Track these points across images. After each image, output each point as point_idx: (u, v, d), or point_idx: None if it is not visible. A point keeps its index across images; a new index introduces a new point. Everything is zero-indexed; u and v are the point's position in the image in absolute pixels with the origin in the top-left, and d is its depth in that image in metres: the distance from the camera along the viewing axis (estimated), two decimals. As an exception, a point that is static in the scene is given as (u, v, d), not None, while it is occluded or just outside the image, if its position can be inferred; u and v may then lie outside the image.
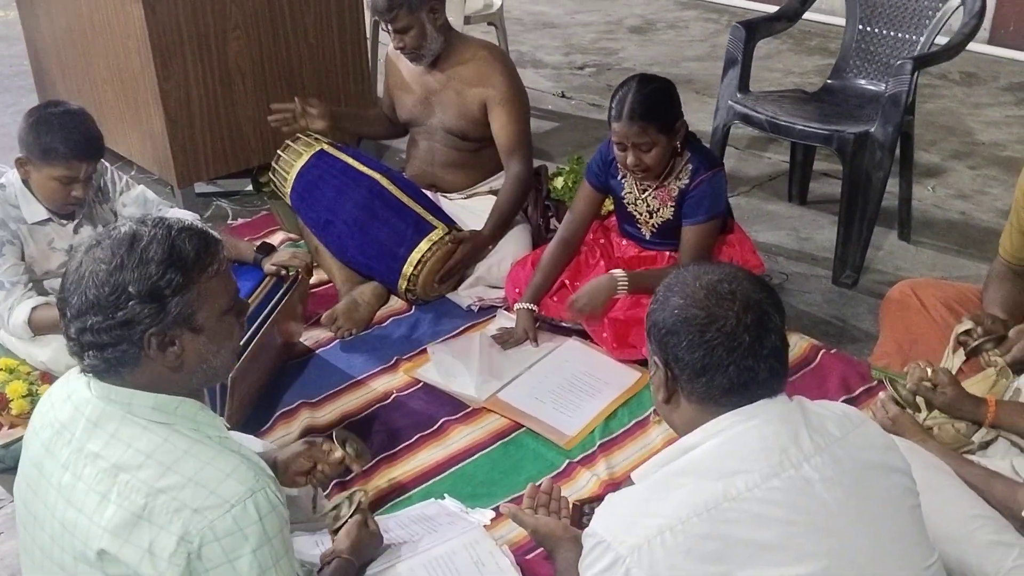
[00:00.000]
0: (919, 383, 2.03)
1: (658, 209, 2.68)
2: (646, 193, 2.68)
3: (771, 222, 3.55)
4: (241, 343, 2.31)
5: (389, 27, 2.92)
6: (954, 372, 2.17)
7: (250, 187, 3.77)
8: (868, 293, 3.06)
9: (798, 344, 2.77)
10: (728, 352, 1.30)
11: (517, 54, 5.47)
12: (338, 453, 1.82)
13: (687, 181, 2.62)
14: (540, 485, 1.80)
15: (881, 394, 2.09)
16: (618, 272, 2.64)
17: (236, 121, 3.55)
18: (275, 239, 3.41)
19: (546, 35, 5.91)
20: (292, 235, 3.35)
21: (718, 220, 2.65)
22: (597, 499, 1.67)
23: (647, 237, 2.77)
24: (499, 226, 3.02)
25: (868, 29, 3.29)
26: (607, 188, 2.78)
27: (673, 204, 2.65)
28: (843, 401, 2.53)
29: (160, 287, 1.36)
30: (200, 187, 3.73)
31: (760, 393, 1.32)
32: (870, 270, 3.19)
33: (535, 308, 2.78)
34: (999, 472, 1.84)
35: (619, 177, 2.72)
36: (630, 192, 2.72)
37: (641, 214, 2.73)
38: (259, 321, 2.47)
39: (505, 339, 2.75)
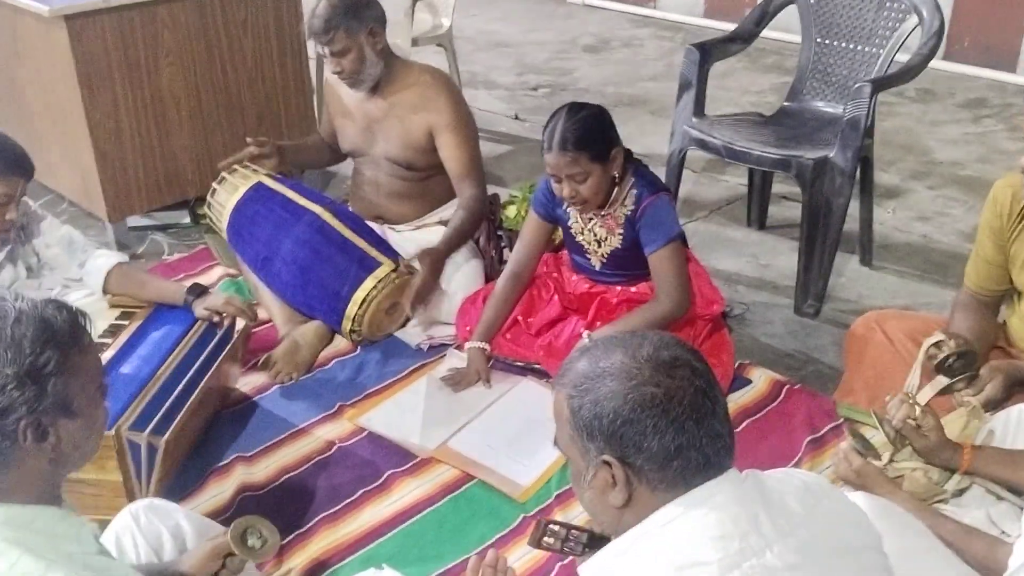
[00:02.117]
0: (904, 421, 1.91)
1: (605, 238, 2.56)
2: (592, 222, 2.56)
3: (730, 248, 3.45)
4: (174, 399, 2.19)
5: (326, 50, 2.78)
6: (923, 401, 2.07)
7: (188, 219, 3.59)
8: (831, 323, 2.96)
9: (761, 379, 2.66)
10: (697, 424, 1.15)
11: (469, 74, 5.35)
12: (236, 560, 1.64)
13: (632, 207, 2.50)
14: (485, 557, 1.65)
15: (842, 444, 1.97)
16: (585, 333, 2.50)
17: (171, 151, 3.38)
18: (214, 275, 3.26)
19: (499, 55, 5.80)
20: (231, 271, 3.19)
21: (679, 242, 2.52)
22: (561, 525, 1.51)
23: (597, 268, 2.64)
24: (453, 241, 2.84)
25: (826, 42, 3.20)
26: (554, 218, 2.66)
27: (621, 232, 2.53)
28: (809, 440, 2.43)
29: (39, 366, 1.21)
30: (135, 220, 3.55)
31: (720, 464, 1.18)
32: (832, 298, 3.09)
33: (487, 347, 2.64)
34: (975, 528, 1.73)
35: (564, 206, 2.60)
36: (576, 222, 2.60)
37: (589, 244, 2.60)
38: (193, 372, 2.30)
39: (456, 381, 2.61)
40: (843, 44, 3.17)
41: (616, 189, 2.49)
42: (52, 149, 3.44)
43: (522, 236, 2.73)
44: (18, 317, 1.22)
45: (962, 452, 1.85)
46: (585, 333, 2.51)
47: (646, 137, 4.29)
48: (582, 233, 2.60)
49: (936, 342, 2.02)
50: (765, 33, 3.37)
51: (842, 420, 2.47)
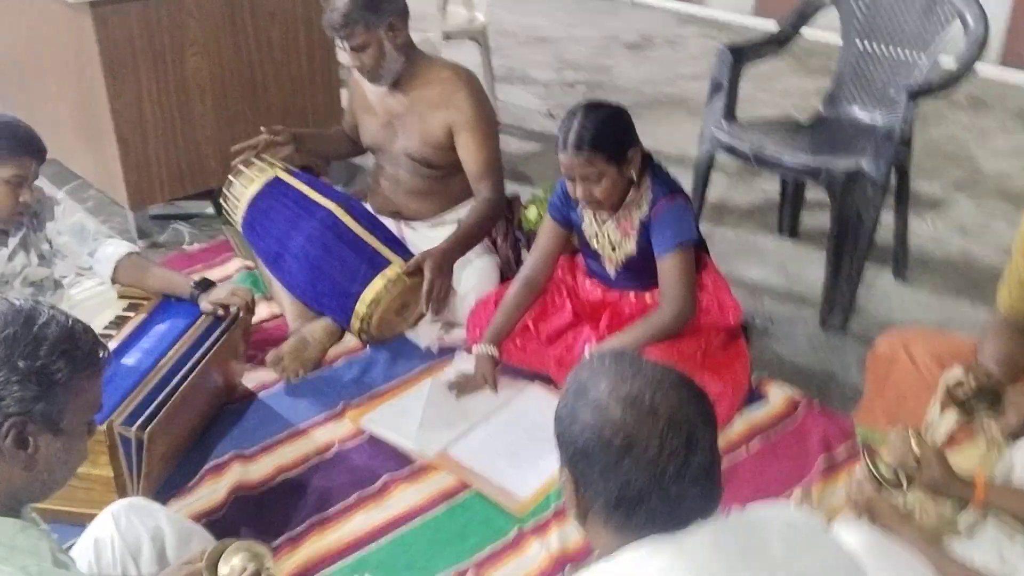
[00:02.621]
0: (902, 459, 1.82)
1: (620, 242, 2.48)
2: (606, 225, 2.49)
3: (758, 257, 3.34)
4: (165, 394, 2.16)
5: (345, 44, 2.73)
6: (943, 434, 1.96)
7: (210, 209, 3.58)
8: (858, 339, 2.84)
9: (779, 396, 2.56)
10: (650, 482, 1.08)
11: (506, 69, 5.28)
12: None
13: (647, 209, 2.42)
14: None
15: (857, 468, 1.88)
16: (587, 348, 2.42)
17: (194, 141, 3.36)
18: (231, 266, 3.25)
19: (538, 50, 5.73)
20: (248, 263, 3.17)
21: (690, 245, 2.44)
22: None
23: (612, 275, 2.56)
24: (459, 242, 2.76)
25: (866, 46, 3.08)
26: (569, 222, 2.58)
27: (636, 236, 2.45)
28: (824, 460, 2.32)
29: (49, 371, 1.23)
30: (158, 208, 3.55)
31: (690, 517, 1.11)
32: (861, 312, 2.97)
33: (496, 352, 2.58)
34: (981, 573, 1.63)
35: (579, 209, 2.52)
36: (590, 225, 2.52)
37: (604, 249, 2.53)
38: (187, 367, 2.27)
39: (462, 385, 2.55)
40: (884, 48, 3.04)
41: (632, 191, 2.41)
42: (77, 135, 3.45)
43: (537, 241, 2.66)
44: (48, 321, 1.26)
45: (975, 485, 1.75)
46: (588, 347, 2.43)
47: (681, 138, 4.18)
48: (596, 238, 2.53)
49: (958, 382, 1.91)
50: (813, 34, 3.26)
51: (859, 443, 2.37)
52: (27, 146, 2.30)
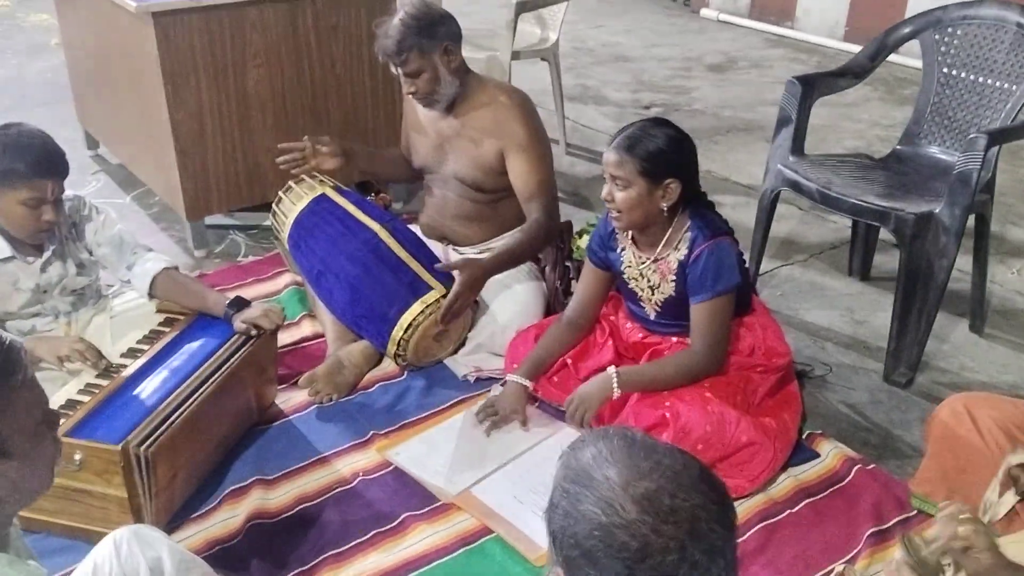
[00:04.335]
0: (949, 542, 1.65)
1: (659, 285, 2.37)
2: (643, 265, 2.38)
3: (824, 299, 3.16)
4: (173, 411, 2.11)
5: (399, 70, 2.68)
6: (1000, 516, 1.79)
7: (269, 222, 3.57)
8: (924, 396, 2.66)
9: (831, 454, 2.40)
10: None
11: (581, 88, 5.19)
12: None
13: (685, 252, 2.30)
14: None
15: (897, 554, 1.71)
16: (611, 369, 2.31)
17: (253, 154, 3.36)
18: (281, 281, 3.23)
19: (617, 69, 5.61)
20: (298, 279, 3.14)
21: (728, 295, 2.31)
22: None
23: (652, 317, 2.45)
24: (501, 259, 2.67)
25: (952, 74, 2.88)
26: (608, 264, 2.48)
27: (674, 279, 2.34)
28: (872, 532, 2.15)
29: None
30: (218, 218, 3.56)
31: None
32: (930, 367, 2.78)
33: (529, 384, 2.49)
34: None
35: (618, 250, 2.42)
36: (629, 266, 2.42)
37: (643, 290, 2.41)
38: (199, 384, 2.22)
39: (489, 414, 2.46)
40: (970, 77, 2.84)
41: (670, 230, 2.30)
42: (141, 143, 3.48)
43: (579, 286, 2.58)
44: None
45: (1028, 579, 1.58)
46: (611, 369, 2.32)
47: (756, 167, 4.02)
48: (636, 279, 2.42)
49: (1021, 463, 1.74)
50: (905, 61, 3.07)
51: (914, 513, 2.20)
52: (41, 168, 2.25)
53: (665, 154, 2.23)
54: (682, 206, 2.30)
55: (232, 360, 2.31)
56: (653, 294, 2.39)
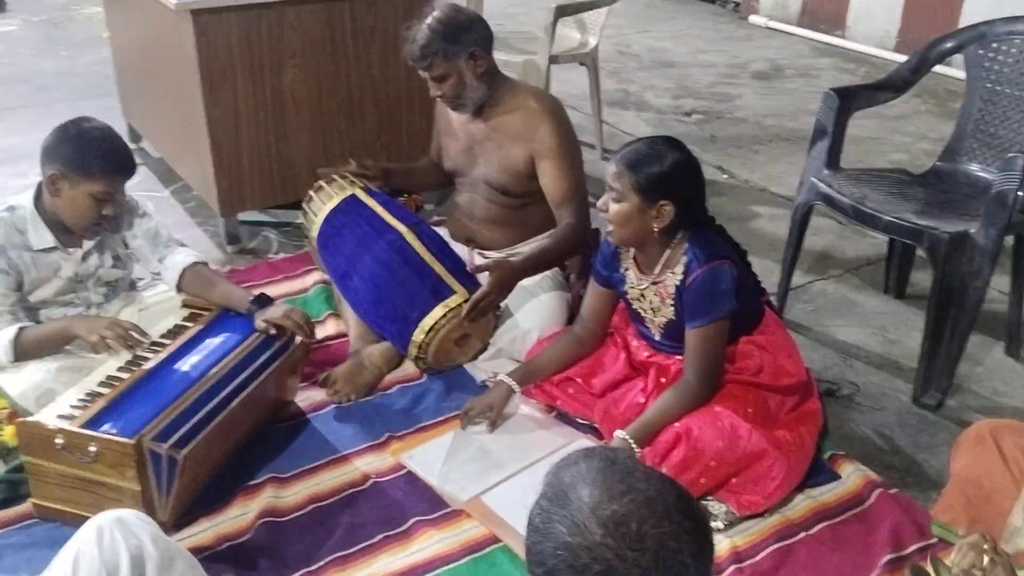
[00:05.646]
0: (969, 571, 1.61)
1: (659, 307, 2.34)
2: (643, 286, 2.35)
3: (857, 316, 3.10)
4: (206, 412, 2.14)
5: (425, 75, 2.69)
6: (1022, 547, 1.74)
7: (300, 219, 3.60)
8: (953, 420, 2.59)
9: (852, 477, 2.34)
10: None
11: (622, 93, 5.16)
12: None
13: (681, 276, 2.27)
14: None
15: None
16: (620, 433, 2.24)
17: (287, 153, 3.39)
18: (310, 279, 3.25)
19: (661, 75, 5.56)
20: (326, 278, 3.15)
21: (723, 321, 2.26)
22: None
23: (657, 337, 2.42)
24: (533, 262, 2.66)
25: (997, 89, 2.81)
26: (611, 284, 2.47)
27: (672, 302, 2.31)
28: (890, 559, 2.10)
29: None
30: (253, 214, 3.60)
31: None
32: (962, 390, 2.70)
33: (517, 387, 2.50)
34: None
35: (622, 271, 2.40)
36: (631, 288, 2.39)
37: (646, 312, 2.39)
38: (231, 389, 2.24)
39: (465, 410, 2.48)
40: (1015, 93, 2.76)
41: (668, 252, 2.28)
42: (179, 138, 3.53)
43: (585, 300, 2.56)
44: None
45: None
46: (619, 433, 2.26)
47: (795, 178, 3.94)
48: (638, 300, 2.39)
49: None
50: (959, 74, 3.00)
51: (934, 540, 2.14)
52: (120, 165, 2.37)
53: (664, 175, 2.19)
54: (682, 229, 2.26)
55: (269, 367, 2.33)
56: (655, 316, 2.37)
